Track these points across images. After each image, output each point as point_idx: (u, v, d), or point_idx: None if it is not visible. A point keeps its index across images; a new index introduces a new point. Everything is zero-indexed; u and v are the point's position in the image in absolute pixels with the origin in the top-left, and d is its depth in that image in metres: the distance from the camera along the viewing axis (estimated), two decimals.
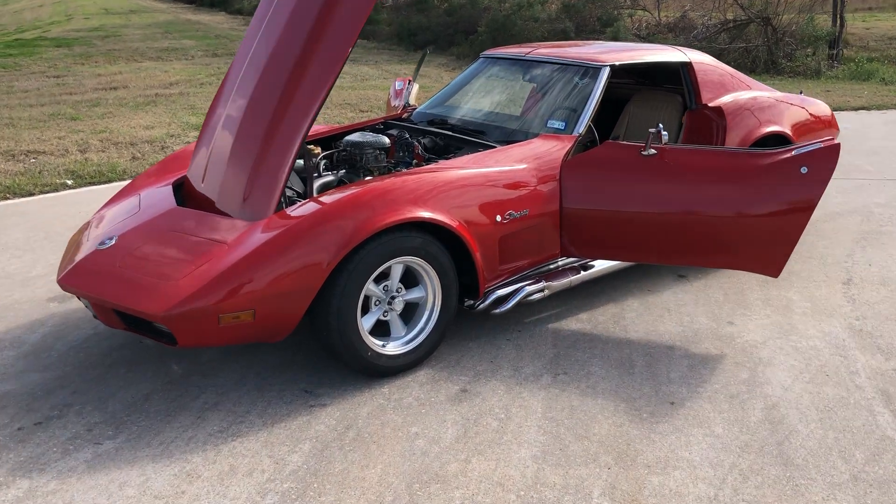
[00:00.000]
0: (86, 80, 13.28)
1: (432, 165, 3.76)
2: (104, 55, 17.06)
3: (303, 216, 3.23)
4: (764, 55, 15.10)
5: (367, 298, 3.35)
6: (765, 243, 3.67)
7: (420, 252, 3.36)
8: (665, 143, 3.73)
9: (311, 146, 4.30)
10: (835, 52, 15.47)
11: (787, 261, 3.67)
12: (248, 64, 3.75)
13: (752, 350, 3.66)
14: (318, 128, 4.69)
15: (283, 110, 3.46)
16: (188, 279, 3.06)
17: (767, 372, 3.45)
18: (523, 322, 3.96)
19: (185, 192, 3.87)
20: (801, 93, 5.60)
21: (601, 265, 4.08)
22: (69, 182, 6.73)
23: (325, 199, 3.36)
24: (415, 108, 4.94)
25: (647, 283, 4.46)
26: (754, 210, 3.64)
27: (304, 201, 3.42)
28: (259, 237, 3.18)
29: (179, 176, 3.99)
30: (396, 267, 3.37)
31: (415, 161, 4.14)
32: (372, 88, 12.50)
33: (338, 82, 13.17)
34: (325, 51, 3.39)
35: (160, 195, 3.77)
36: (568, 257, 3.98)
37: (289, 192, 3.76)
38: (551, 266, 3.97)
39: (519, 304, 3.72)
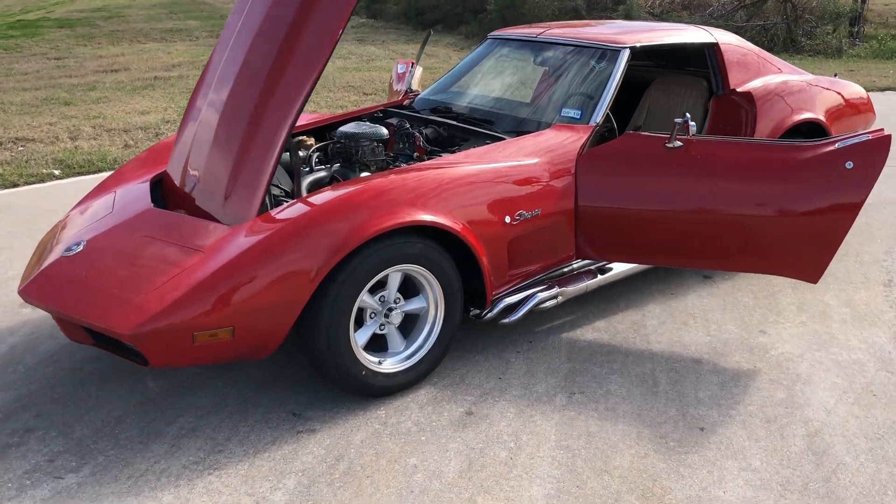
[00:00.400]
0: (87, 63, 12.92)
1: (435, 160, 3.41)
2: (107, 36, 16.68)
3: (288, 220, 2.89)
4: (783, 33, 14.60)
5: (360, 311, 3.02)
6: (803, 247, 3.31)
7: (420, 259, 3.01)
8: (692, 135, 3.36)
9: (304, 137, 3.97)
10: (856, 29, 14.94)
11: (827, 267, 3.30)
12: (231, 51, 3.40)
13: (789, 364, 3.31)
14: (313, 116, 4.34)
15: (266, 101, 3.11)
16: (159, 292, 2.73)
17: (807, 391, 3.10)
18: (535, 331, 3.62)
19: (165, 189, 3.53)
20: (835, 76, 5.20)
21: (620, 268, 3.73)
22: (56, 172, 6.41)
23: (315, 199, 3.02)
24: (417, 94, 4.57)
25: (669, 285, 4.11)
26: (792, 210, 3.28)
27: (291, 202, 3.08)
28: (239, 244, 2.84)
29: (160, 171, 3.65)
30: (394, 275, 3.03)
31: (416, 154, 3.78)
32: (378, 70, 12.10)
33: (342, 63, 12.78)
34: (310, 36, 3.04)
35: (136, 193, 3.43)
36: (584, 260, 3.63)
37: (276, 191, 3.42)
38: (565, 269, 3.62)
39: (531, 311, 3.38)
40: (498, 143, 3.57)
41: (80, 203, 3.66)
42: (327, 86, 10.23)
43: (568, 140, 3.58)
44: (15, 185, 6.12)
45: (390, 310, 3.06)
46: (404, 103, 4.47)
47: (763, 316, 3.76)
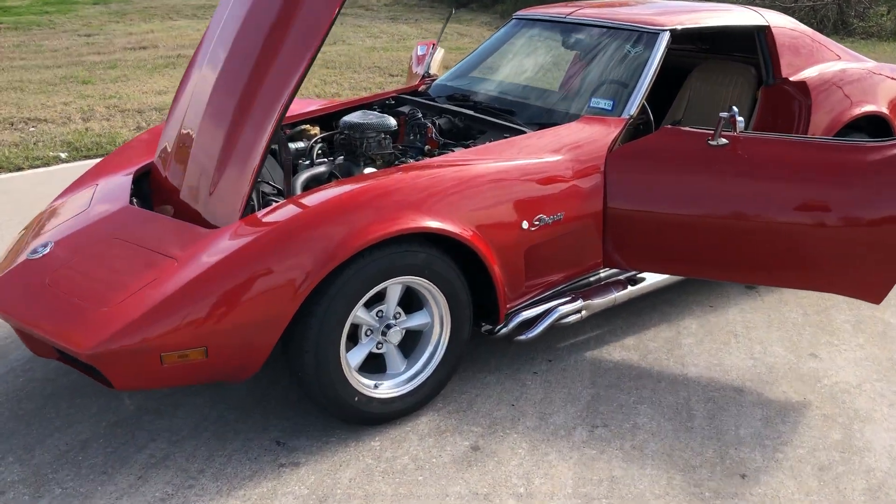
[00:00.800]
0: (116, 40, 12.69)
1: (444, 156, 3.03)
2: (140, 13, 16.45)
3: (273, 224, 2.54)
4: (833, 14, 13.87)
5: (355, 327, 2.67)
6: (865, 262, 2.88)
7: (423, 270, 2.65)
8: (740, 132, 2.94)
9: (307, 126, 3.62)
10: None
11: (893, 286, 2.88)
12: (220, 32, 3.05)
13: (844, 397, 2.90)
14: (321, 103, 3.99)
15: (255, 88, 2.77)
16: (123, 306, 2.40)
17: (867, 431, 2.69)
18: (555, 348, 3.24)
19: (151, 182, 3.21)
20: None
21: (653, 279, 3.33)
22: (63, 155, 6.14)
23: (307, 200, 2.66)
24: (435, 79, 4.18)
25: (708, 297, 3.70)
26: (853, 219, 2.85)
27: (280, 202, 2.74)
28: (216, 251, 2.50)
29: (149, 161, 3.33)
30: (394, 288, 2.67)
31: (427, 147, 3.41)
32: (407, 50, 11.69)
33: (371, 42, 12.40)
34: (302, 20, 2.68)
35: (116, 188, 3.11)
36: (612, 269, 3.24)
37: (267, 189, 3.07)
38: (591, 279, 3.23)
39: (551, 327, 3.00)
40: (518, 136, 3.17)
41: (63, 193, 3.36)
42: (352, 66, 9.87)
43: (597, 134, 3.18)
44: (20, 169, 5.87)
45: (388, 327, 2.70)
46: (420, 89, 4.09)
47: (814, 336, 3.34)
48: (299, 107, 3.88)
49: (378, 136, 3.28)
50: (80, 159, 6.08)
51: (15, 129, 6.87)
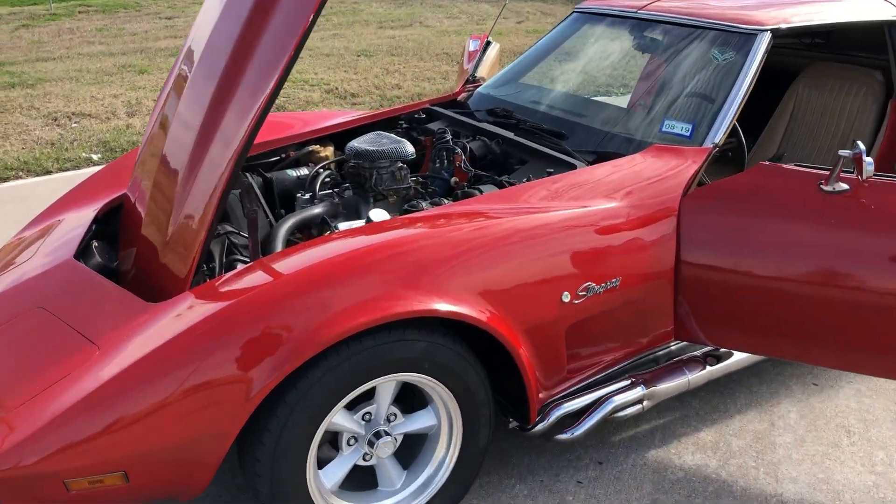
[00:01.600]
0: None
1: (460, 205, 2.33)
2: None
3: (220, 305, 1.93)
4: None
5: (334, 435, 2.05)
6: None
7: (423, 364, 2.00)
8: (868, 177, 2.16)
9: (318, 146, 3.01)
10: None
11: None
12: (195, 39, 2.45)
13: None
14: (341, 115, 3.36)
15: (216, 116, 2.15)
16: (22, 413, 1.83)
17: None
18: (608, 443, 2.54)
19: (122, 215, 2.65)
20: None
21: (740, 354, 2.58)
22: (95, 157, 5.72)
23: (274, 266, 2.04)
24: (479, 86, 3.48)
25: (811, 369, 2.91)
26: None
27: (244, 266, 2.12)
28: (146, 338, 1.90)
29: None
30: (386, 385, 2.03)
31: (454, 180, 2.73)
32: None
33: (448, 24, 11.72)
34: (272, 34, 2.05)
35: (70, 229, 2.56)
36: (686, 341, 2.52)
37: (242, 239, 2.45)
38: (659, 353, 2.51)
39: (602, 421, 2.31)
40: (564, 174, 2.46)
41: (30, 224, 2.84)
42: (419, 53, 9.21)
43: (670, 170, 2.44)
44: (48, 172, 5.48)
45: (378, 435, 2.06)
46: (459, 98, 3.40)
47: None
48: (315, 120, 3.26)
49: (391, 167, 2.62)
50: (111, 161, 5.64)
51: (57, 126, 6.51)
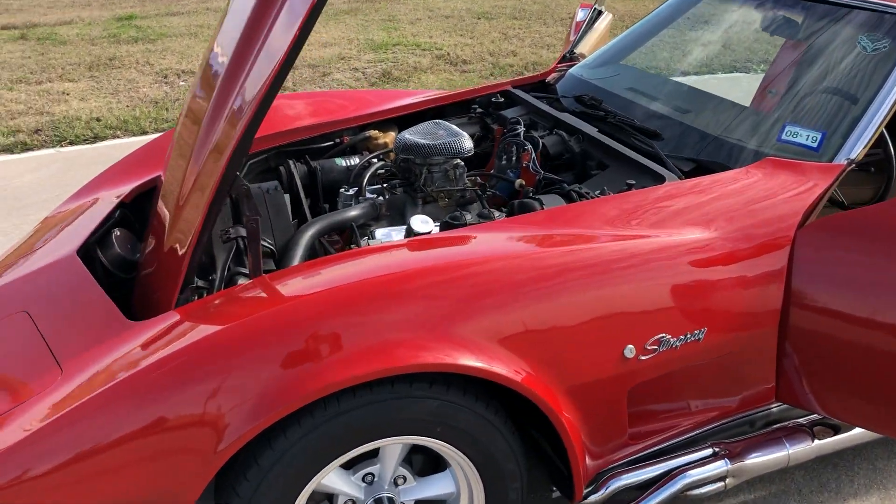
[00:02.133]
0: None
1: (511, 223, 1.90)
2: None
3: (194, 338, 1.60)
4: None
5: (329, 498, 1.70)
6: None
7: (434, 427, 1.61)
8: None
9: (376, 131, 2.65)
10: None
11: None
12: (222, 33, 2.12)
13: None
14: (415, 94, 2.97)
15: (216, 116, 1.82)
16: None
17: None
18: None
19: (155, 200, 2.38)
20: None
21: (855, 429, 2.05)
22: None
23: (280, 286, 1.69)
24: (573, 64, 3.00)
25: None
26: None
27: (244, 284, 1.79)
28: (109, 370, 1.61)
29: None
30: (392, 447, 1.66)
31: (519, 182, 2.30)
32: None
33: None
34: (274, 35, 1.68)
35: (88, 216, 2.31)
36: (789, 405, 2.01)
37: (266, 243, 2.10)
38: (755, 417, 2.02)
39: (673, 498, 1.87)
40: (645, 190, 1.98)
41: (68, 199, 2.63)
42: (543, 17, 8.63)
43: (785, 191, 1.92)
44: (144, 133, 5.40)
45: (380, 502, 1.70)
46: (548, 79, 2.93)
47: None
48: (379, 100, 2.89)
49: (444, 163, 2.22)
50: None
51: (165, 83, 6.46)
